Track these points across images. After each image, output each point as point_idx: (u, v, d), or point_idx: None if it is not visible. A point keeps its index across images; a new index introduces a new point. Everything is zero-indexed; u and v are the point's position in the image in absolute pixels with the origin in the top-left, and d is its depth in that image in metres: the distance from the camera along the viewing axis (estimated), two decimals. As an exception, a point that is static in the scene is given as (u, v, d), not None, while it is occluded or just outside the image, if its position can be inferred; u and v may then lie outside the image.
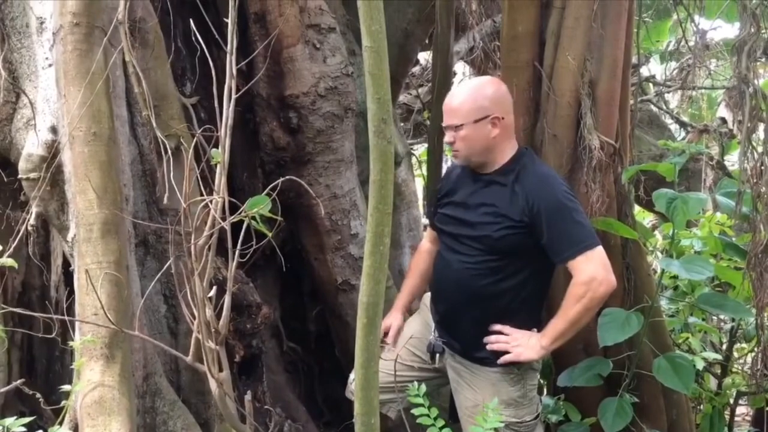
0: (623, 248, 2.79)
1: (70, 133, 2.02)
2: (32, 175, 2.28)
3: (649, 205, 3.97)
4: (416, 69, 4.40)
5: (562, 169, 2.69)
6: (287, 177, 2.09)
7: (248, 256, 3.31)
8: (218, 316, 2.96)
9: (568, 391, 2.79)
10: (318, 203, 3.04)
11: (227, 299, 1.82)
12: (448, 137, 2.34)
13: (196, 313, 1.80)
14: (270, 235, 1.87)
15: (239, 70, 3.26)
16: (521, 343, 2.27)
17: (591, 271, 2.19)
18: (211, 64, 2.04)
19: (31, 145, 2.31)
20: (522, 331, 2.30)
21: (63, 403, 1.82)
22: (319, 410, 3.55)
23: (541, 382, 3.13)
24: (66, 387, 1.84)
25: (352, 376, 2.67)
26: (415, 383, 2.17)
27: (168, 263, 2.06)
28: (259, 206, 1.88)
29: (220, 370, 1.89)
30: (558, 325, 2.26)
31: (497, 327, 2.30)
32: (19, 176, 2.32)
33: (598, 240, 2.26)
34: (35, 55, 2.35)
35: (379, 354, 1.77)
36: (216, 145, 2.35)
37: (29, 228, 2.31)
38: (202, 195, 2.66)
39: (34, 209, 2.30)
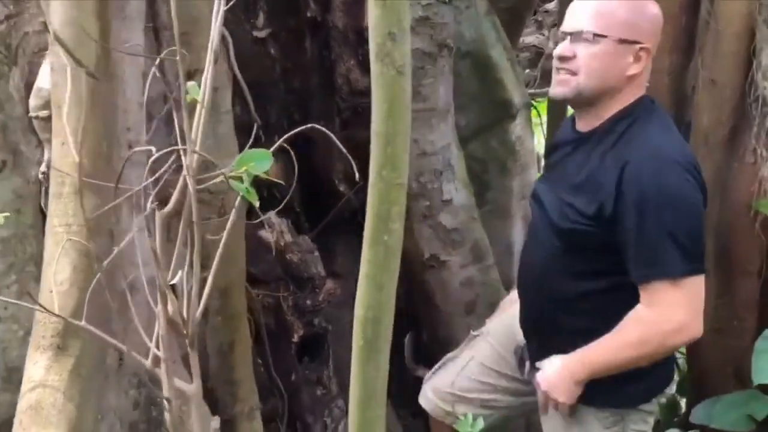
0: (802, 244, 1.96)
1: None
2: (42, 114, 1.88)
3: None
4: (552, 5, 3.60)
5: (721, 127, 1.89)
6: (310, 125, 1.51)
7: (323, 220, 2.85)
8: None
9: (704, 430, 2.04)
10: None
11: (193, 284, 1.31)
12: (563, 48, 1.55)
13: (158, 305, 1.30)
14: (257, 203, 1.32)
15: (316, -2, 2.76)
16: (549, 379, 1.60)
17: (671, 308, 1.46)
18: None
19: (43, 78, 1.91)
20: (555, 359, 1.61)
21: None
22: (401, 398, 3.05)
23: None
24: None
25: (428, 375, 2.10)
26: (469, 415, 1.57)
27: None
28: (251, 163, 1.33)
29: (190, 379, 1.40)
30: (599, 355, 1.55)
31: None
32: (30, 114, 1.94)
33: (699, 267, 1.49)
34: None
35: (383, 388, 1.18)
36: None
37: (40, 176, 1.93)
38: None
39: (45, 154, 1.92)
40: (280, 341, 2.50)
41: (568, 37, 1.55)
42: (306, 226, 2.68)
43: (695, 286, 1.48)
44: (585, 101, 1.57)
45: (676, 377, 2.64)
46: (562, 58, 1.55)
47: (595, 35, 1.52)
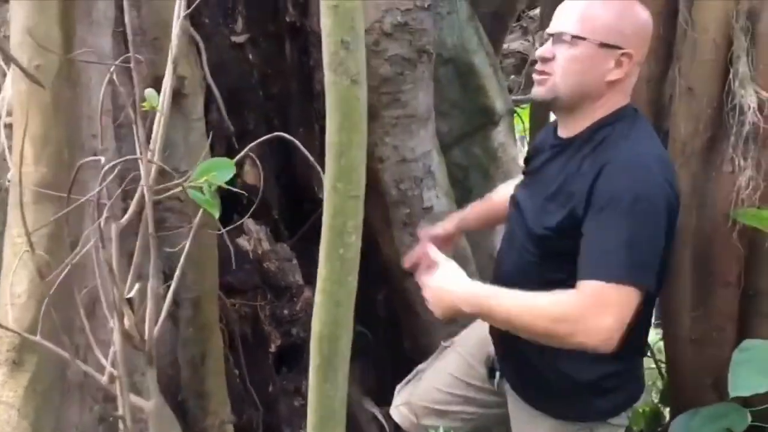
0: (783, 254, 1.93)
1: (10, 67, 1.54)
2: (7, 120, 1.83)
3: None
4: (537, 10, 3.58)
5: (697, 136, 1.86)
6: (276, 134, 1.47)
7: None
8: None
9: (683, 443, 2.00)
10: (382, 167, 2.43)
11: (149, 300, 1.26)
12: (544, 50, 1.52)
13: (113, 319, 1.26)
14: (217, 214, 1.28)
15: (296, 2, 2.72)
16: (436, 290, 1.52)
17: (603, 310, 1.38)
18: None
19: (8, 83, 1.86)
20: (450, 266, 1.53)
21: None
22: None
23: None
24: None
25: (399, 387, 2.06)
26: (440, 428, 1.53)
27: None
28: (213, 172, 1.29)
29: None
30: (502, 308, 1.46)
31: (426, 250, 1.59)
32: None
33: (642, 281, 1.41)
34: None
35: (342, 408, 1.14)
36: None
37: (7, 184, 1.88)
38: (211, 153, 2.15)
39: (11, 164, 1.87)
40: (258, 351, 2.45)
41: (550, 39, 1.53)
42: (285, 233, 2.64)
43: (629, 298, 1.40)
44: (563, 105, 1.54)
45: (660, 386, 2.62)
46: (543, 59, 1.52)
47: (574, 37, 1.48)
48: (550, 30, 1.54)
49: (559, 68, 1.50)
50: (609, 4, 1.52)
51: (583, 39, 1.48)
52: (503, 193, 1.89)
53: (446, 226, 2.00)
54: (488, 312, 1.49)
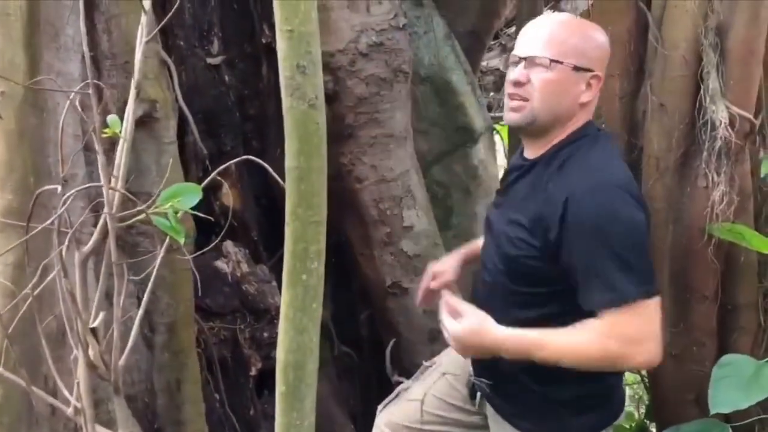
0: (760, 267, 1.92)
1: (-24, 94, 1.52)
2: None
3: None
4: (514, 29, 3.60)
5: (671, 152, 1.85)
6: (245, 157, 1.45)
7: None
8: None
9: (665, 459, 1.98)
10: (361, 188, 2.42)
11: (115, 328, 1.23)
12: (517, 74, 1.49)
13: (77, 349, 1.23)
14: (182, 240, 1.25)
15: (272, 24, 2.71)
16: (460, 337, 1.49)
17: (634, 340, 1.41)
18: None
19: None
20: (478, 315, 1.50)
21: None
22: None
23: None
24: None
25: (380, 408, 2.03)
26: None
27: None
28: (178, 198, 1.27)
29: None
30: (540, 351, 1.45)
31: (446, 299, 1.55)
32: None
33: (650, 289, 1.44)
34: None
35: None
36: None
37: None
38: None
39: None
40: (238, 375, 2.42)
41: (522, 62, 1.51)
42: (264, 255, 2.62)
43: (650, 310, 1.43)
44: (538, 128, 1.53)
45: (645, 401, 2.60)
46: (517, 83, 1.50)
47: (552, 61, 1.48)
48: (520, 53, 1.52)
49: (536, 92, 1.48)
50: (573, 28, 1.54)
51: (560, 63, 1.48)
52: None
53: (451, 262, 1.90)
54: (532, 356, 1.47)
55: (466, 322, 1.50)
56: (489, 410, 1.71)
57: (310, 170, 0.94)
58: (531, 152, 1.57)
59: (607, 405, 1.60)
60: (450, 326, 1.51)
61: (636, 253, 1.42)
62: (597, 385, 1.57)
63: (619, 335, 1.41)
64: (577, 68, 1.49)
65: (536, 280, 1.47)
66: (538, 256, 1.46)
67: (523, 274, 1.50)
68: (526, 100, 1.50)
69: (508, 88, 1.53)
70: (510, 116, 1.54)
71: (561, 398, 1.56)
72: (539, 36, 1.51)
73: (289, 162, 0.95)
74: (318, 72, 0.92)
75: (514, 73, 1.51)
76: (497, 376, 1.61)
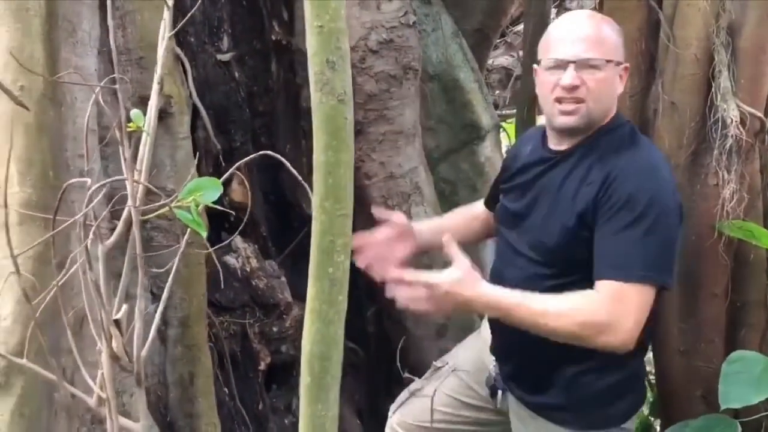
0: (769, 265, 1.94)
1: (-4, 88, 1.52)
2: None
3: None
4: (521, 27, 3.60)
5: (681, 150, 1.87)
6: (263, 152, 1.46)
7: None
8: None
9: (674, 455, 1.99)
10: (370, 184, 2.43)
11: (137, 320, 1.24)
12: (571, 78, 1.50)
13: (100, 341, 1.24)
14: (204, 234, 1.26)
15: (281, 20, 2.72)
16: (439, 285, 1.47)
17: (611, 310, 1.43)
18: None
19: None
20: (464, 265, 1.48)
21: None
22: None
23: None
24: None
25: (393, 408, 2.04)
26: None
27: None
28: (199, 193, 1.28)
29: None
30: (516, 308, 1.46)
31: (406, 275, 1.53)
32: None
33: (658, 278, 1.46)
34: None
35: (333, 429, 1.12)
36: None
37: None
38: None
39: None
40: (247, 369, 2.43)
41: (570, 66, 1.51)
42: (273, 250, 2.63)
43: (647, 297, 1.45)
44: (590, 126, 1.56)
45: (650, 398, 2.62)
46: (572, 88, 1.51)
47: (607, 61, 1.53)
48: (567, 57, 1.51)
49: (592, 93, 1.51)
50: (606, 24, 1.59)
51: (611, 62, 1.53)
52: (459, 215, 1.98)
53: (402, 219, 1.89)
54: (508, 316, 1.48)
55: (453, 272, 1.48)
56: (512, 406, 1.71)
57: (339, 164, 0.95)
58: (563, 144, 1.59)
59: (638, 390, 1.64)
60: (433, 277, 1.49)
61: (660, 240, 1.45)
62: (627, 371, 1.59)
63: (612, 310, 1.42)
64: (617, 63, 1.56)
65: (577, 267, 1.50)
66: (580, 243, 1.49)
67: (565, 262, 1.52)
68: (580, 102, 1.52)
69: (558, 93, 1.53)
70: (564, 120, 1.54)
71: (599, 386, 1.58)
72: (583, 37, 1.53)
73: (318, 156, 0.96)
74: (347, 67, 0.93)
75: (566, 78, 1.51)
76: (528, 368, 1.62)
